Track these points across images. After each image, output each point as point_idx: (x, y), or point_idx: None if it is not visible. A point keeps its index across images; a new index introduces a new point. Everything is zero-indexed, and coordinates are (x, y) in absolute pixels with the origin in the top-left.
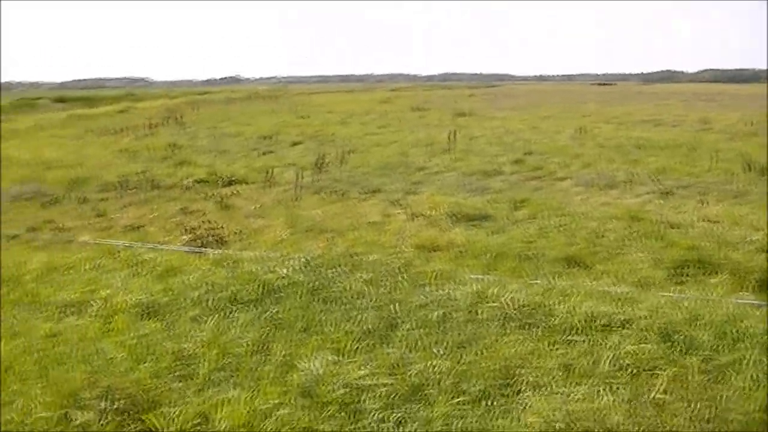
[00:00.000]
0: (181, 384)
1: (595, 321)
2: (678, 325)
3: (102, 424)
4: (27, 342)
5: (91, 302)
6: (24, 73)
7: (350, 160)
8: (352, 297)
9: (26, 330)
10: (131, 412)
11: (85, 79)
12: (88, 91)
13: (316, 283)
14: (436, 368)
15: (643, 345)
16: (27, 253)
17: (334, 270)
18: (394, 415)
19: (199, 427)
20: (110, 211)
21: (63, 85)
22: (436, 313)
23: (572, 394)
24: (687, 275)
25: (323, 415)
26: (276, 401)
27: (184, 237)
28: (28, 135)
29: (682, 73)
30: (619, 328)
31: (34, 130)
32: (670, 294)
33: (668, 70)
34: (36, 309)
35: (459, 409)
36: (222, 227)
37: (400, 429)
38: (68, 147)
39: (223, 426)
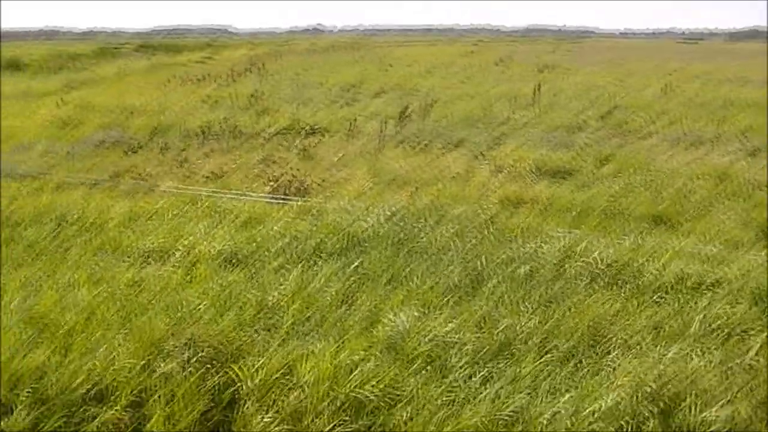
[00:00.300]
0: (265, 335)
1: (684, 281)
2: None
3: (185, 375)
4: (110, 289)
5: (174, 250)
6: (107, 21)
7: (433, 112)
8: (437, 250)
9: (109, 277)
10: (214, 362)
11: (167, 28)
12: (170, 40)
13: (401, 235)
14: (523, 325)
15: (734, 307)
16: (110, 199)
17: (419, 222)
18: (481, 371)
19: (283, 380)
20: (192, 159)
21: (145, 33)
22: (522, 269)
23: (663, 356)
24: None
25: (409, 371)
26: (361, 355)
27: (267, 186)
28: (111, 82)
29: None
30: (710, 289)
31: (117, 77)
32: (761, 255)
33: (754, 29)
34: (119, 256)
35: (547, 368)
36: (305, 177)
37: (487, 386)
38: (151, 94)
39: (308, 378)
